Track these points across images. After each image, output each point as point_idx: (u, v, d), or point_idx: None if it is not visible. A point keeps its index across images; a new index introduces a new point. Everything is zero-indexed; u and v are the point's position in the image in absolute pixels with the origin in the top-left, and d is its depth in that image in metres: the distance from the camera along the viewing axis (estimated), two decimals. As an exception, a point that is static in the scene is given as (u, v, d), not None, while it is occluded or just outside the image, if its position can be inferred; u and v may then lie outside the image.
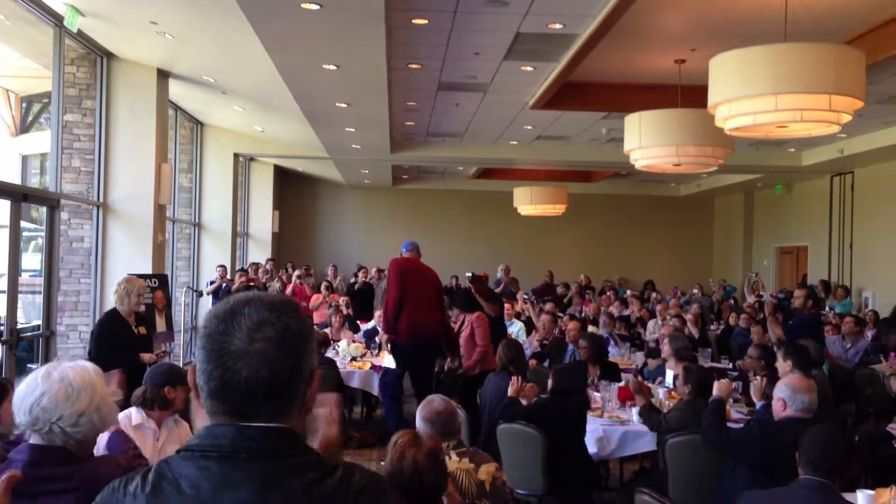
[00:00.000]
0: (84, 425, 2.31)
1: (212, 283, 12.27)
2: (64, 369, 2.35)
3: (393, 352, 7.44)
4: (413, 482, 2.73)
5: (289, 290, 12.53)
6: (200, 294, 12.37)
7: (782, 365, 5.41)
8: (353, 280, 15.14)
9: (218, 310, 1.34)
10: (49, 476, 2.26)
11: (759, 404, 5.25)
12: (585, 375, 5.53)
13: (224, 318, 1.31)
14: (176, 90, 10.28)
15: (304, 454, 1.31)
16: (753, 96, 5.77)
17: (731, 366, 8.58)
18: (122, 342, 5.77)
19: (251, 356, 1.28)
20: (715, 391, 4.86)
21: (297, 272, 13.38)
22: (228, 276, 12.37)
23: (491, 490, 3.43)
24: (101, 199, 9.04)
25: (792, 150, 13.98)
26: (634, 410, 5.75)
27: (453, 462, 3.41)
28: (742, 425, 4.84)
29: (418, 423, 3.58)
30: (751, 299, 14.59)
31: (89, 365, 2.45)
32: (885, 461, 4.89)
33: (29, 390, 2.31)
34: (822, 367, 7.08)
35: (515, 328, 10.03)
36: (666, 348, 6.92)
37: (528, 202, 15.64)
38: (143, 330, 6.21)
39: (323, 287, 12.19)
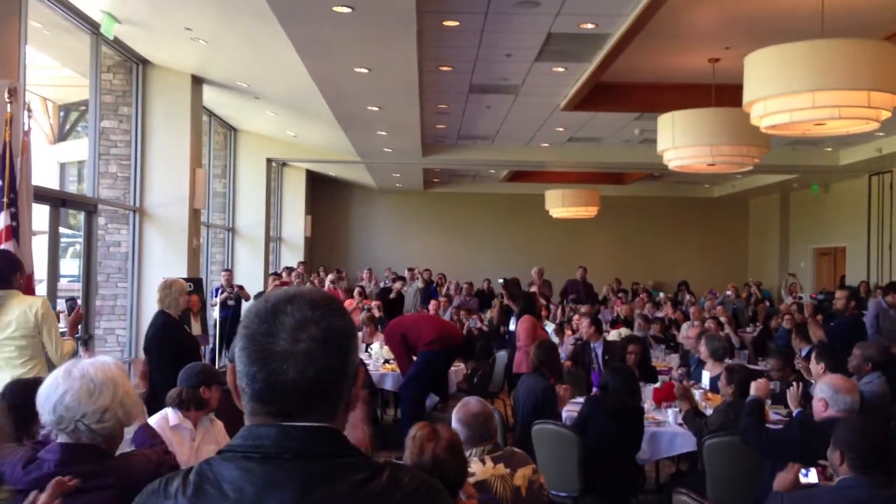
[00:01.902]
0: (109, 421, 2.31)
1: (220, 290, 11.06)
2: (84, 366, 2.34)
3: (428, 363, 7.48)
4: (433, 476, 2.71)
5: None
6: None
7: (815, 367, 5.30)
8: (384, 284, 15.17)
9: (259, 309, 1.30)
10: (80, 474, 2.26)
11: (796, 411, 5.15)
12: (627, 376, 5.49)
13: (266, 318, 1.27)
14: (210, 96, 10.39)
15: (349, 454, 1.27)
16: (790, 93, 5.69)
17: (768, 368, 8.45)
18: (184, 343, 5.73)
19: (297, 357, 1.25)
20: (752, 391, 4.79)
21: (329, 276, 13.43)
22: (236, 283, 11.58)
23: (527, 495, 3.39)
24: (138, 205, 9.17)
25: (829, 149, 13.78)
26: (670, 411, 5.69)
27: (488, 468, 3.37)
28: (781, 426, 4.76)
29: (454, 425, 3.52)
30: (788, 301, 14.37)
31: (110, 360, 2.45)
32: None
33: (51, 389, 2.31)
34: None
35: (549, 329, 9.98)
36: (703, 350, 6.83)
37: (560, 204, 15.56)
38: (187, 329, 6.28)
39: (356, 293, 12.12)
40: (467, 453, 3.42)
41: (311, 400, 1.26)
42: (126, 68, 9.18)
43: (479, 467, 3.35)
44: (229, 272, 11.78)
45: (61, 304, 5.62)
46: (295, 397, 1.25)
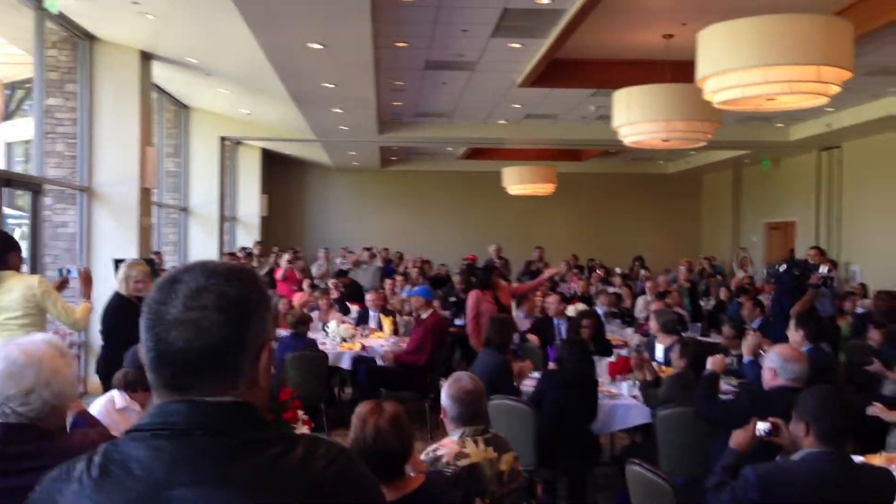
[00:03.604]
0: (34, 402, 2.27)
1: None
2: (10, 348, 2.31)
3: None
4: (376, 447, 2.73)
5: (279, 273, 12.47)
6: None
7: (794, 335, 5.37)
8: (340, 262, 14.99)
9: (161, 279, 1.29)
10: (19, 454, 2.23)
11: (746, 359, 5.27)
12: (582, 348, 5.54)
13: (164, 287, 1.25)
14: (160, 73, 10.17)
15: (263, 428, 1.24)
16: (742, 69, 5.73)
17: (722, 340, 8.59)
18: (132, 324, 5.61)
19: (186, 325, 1.21)
20: (709, 366, 4.88)
21: (286, 256, 13.27)
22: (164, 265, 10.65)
23: (508, 479, 3.40)
24: (86, 184, 8.96)
25: (780, 124, 13.98)
26: (625, 384, 5.76)
27: (481, 451, 3.34)
28: (732, 396, 4.85)
29: (445, 401, 3.47)
30: (740, 275, 14.63)
31: (41, 339, 2.40)
32: (869, 428, 4.89)
33: None
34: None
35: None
36: (653, 324, 6.95)
37: (518, 182, 15.59)
38: None
39: (306, 285, 11.76)
40: (459, 432, 3.39)
41: (202, 371, 1.22)
42: (72, 44, 8.94)
43: (473, 448, 3.33)
44: (159, 255, 11.03)
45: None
46: (183, 367, 1.22)
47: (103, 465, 1.19)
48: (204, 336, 1.21)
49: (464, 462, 3.23)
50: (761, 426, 3.49)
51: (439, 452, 3.26)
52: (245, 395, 1.26)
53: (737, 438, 3.52)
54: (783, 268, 8.04)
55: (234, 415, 1.22)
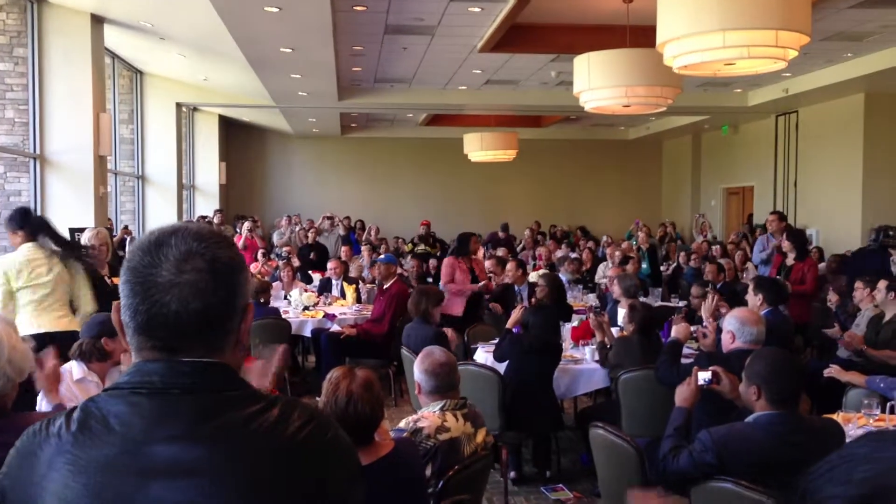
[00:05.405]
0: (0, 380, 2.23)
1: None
2: None
3: None
4: (348, 412, 2.72)
5: (240, 242, 12.33)
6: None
7: (752, 299, 5.48)
8: (298, 228, 14.84)
9: (142, 242, 1.27)
10: None
11: (705, 322, 5.37)
12: (549, 314, 5.57)
13: (149, 251, 1.25)
14: (112, 37, 9.91)
15: (240, 388, 1.26)
16: (701, 33, 5.74)
17: (680, 304, 8.73)
18: (96, 293, 5.58)
19: (181, 287, 1.22)
20: (674, 333, 4.95)
21: (246, 224, 13.11)
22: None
23: (482, 452, 3.40)
24: (38, 152, 8.74)
25: (738, 90, 14.09)
26: (588, 349, 5.83)
27: (460, 425, 3.33)
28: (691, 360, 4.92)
29: (419, 376, 3.46)
30: (699, 239, 14.83)
31: None
32: (826, 389, 5.02)
33: None
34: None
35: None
36: (616, 289, 7.01)
37: (479, 148, 15.53)
38: (116, 280, 6.05)
39: (260, 255, 11.55)
40: (440, 404, 3.38)
41: (196, 332, 1.24)
42: (20, 7, 8.67)
43: (453, 422, 3.31)
44: (110, 221, 10.80)
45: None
46: (178, 329, 1.23)
47: (83, 419, 1.21)
48: (200, 298, 1.23)
49: (444, 436, 3.24)
50: (702, 375, 3.56)
51: (420, 424, 3.25)
52: (228, 355, 1.29)
53: (682, 394, 3.58)
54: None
55: (211, 374, 1.24)
